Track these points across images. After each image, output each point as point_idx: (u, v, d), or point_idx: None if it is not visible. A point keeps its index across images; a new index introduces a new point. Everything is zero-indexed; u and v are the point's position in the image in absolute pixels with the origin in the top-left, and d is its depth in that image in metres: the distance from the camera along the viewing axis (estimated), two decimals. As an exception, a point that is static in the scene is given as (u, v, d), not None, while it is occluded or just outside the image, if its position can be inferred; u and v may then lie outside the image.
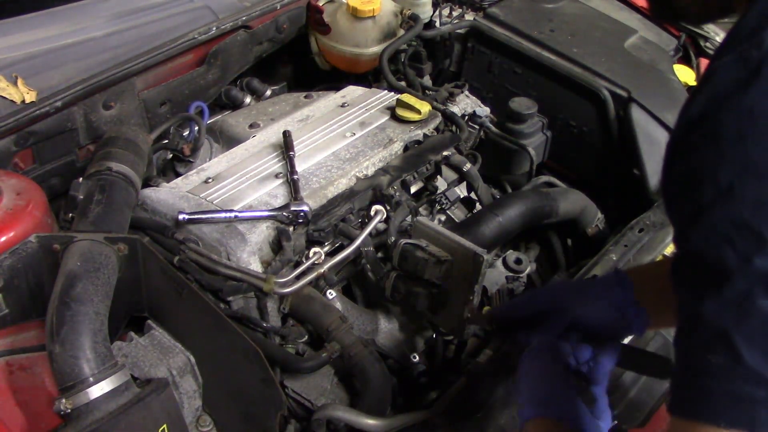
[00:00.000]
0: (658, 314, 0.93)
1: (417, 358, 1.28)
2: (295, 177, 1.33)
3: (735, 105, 0.53)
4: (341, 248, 1.29)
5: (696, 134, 0.56)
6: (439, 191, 1.51)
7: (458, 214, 1.56)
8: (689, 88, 1.80)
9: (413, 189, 1.45)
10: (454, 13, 1.98)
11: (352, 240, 1.29)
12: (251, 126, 1.62)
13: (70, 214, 1.20)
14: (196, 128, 1.59)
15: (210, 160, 1.52)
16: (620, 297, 0.94)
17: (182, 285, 1.07)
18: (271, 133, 1.51)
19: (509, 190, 1.70)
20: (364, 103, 1.59)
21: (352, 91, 1.67)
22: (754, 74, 0.53)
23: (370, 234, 1.31)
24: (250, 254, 1.21)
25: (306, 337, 1.23)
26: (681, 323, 0.57)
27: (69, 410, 0.89)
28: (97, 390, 0.90)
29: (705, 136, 0.55)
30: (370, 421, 1.07)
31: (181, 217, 1.22)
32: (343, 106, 1.60)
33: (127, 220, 1.23)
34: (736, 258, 0.52)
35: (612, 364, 0.94)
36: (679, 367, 0.56)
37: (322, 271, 1.23)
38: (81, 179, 1.24)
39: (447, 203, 1.51)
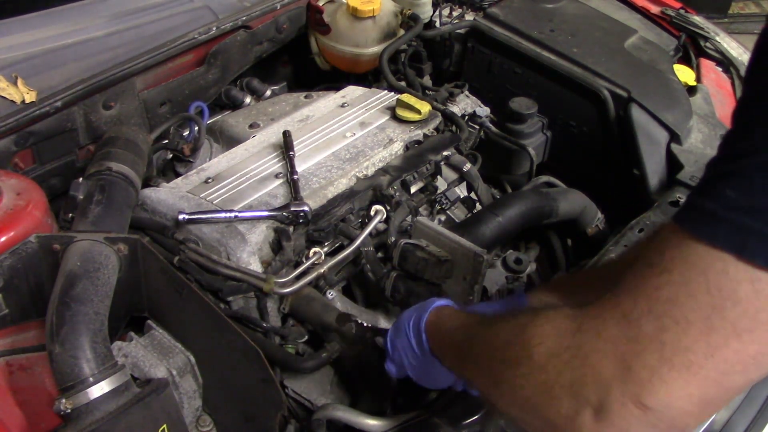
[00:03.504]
0: None
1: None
2: (295, 177, 1.33)
3: None
4: (341, 248, 1.29)
5: None
6: (439, 191, 1.51)
7: (458, 214, 1.56)
8: (689, 88, 1.80)
9: (413, 189, 1.45)
10: (454, 13, 1.98)
11: (352, 240, 1.29)
12: (251, 126, 1.62)
13: (70, 214, 1.20)
14: (196, 128, 1.59)
15: (210, 160, 1.52)
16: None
17: (182, 285, 1.07)
18: (271, 133, 1.51)
19: (509, 190, 1.70)
20: (364, 103, 1.59)
21: (352, 91, 1.67)
22: None
23: (370, 234, 1.31)
24: (250, 254, 1.21)
25: (306, 337, 1.23)
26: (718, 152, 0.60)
27: (69, 410, 0.89)
28: (97, 390, 0.90)
29: None
30: (370, 421, 1.07)
31: (181, 217, 1.22)
32: (343, 106, 1.60)
33: (127, 220, 1.23)
34: None
35: None
36: (698, 187, 0.60)
37: (322, 271, 1.23)
38: (81, 179, 1.24)
39: (447, 203, 1.51)
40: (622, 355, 0.59)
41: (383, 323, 1.32)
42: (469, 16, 1.94)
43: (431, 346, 0.95)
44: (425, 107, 1.51)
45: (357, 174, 1.39)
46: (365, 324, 1.15)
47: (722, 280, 0.55)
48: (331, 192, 1.34)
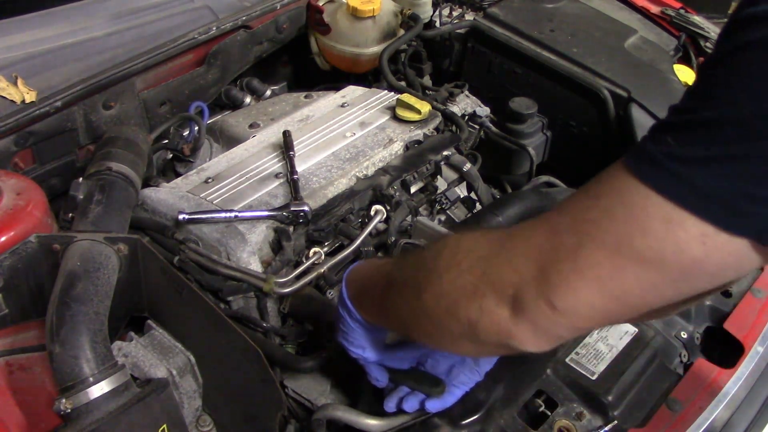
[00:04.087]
0: None
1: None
2: (295, 177, 1.33)
3: None
4: (341, 248, 1.29)
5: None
6: (439, 191, 1.51)
7: (458, 214, 1.56)
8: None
9: (413, 189, 1.45)
10: (454, 13, 1.98)
11: (352, 240, 1.29)
12: (251, 126, 1.62)
13: (70, 214, 1.20)
14: (196, 128, 1.59)
15: (210, 160, 1.52)
16: None
17: (182, 285, 1.07)
18: (271, 133, 1.51)
19: (509, 190, 1.70)
20: (364, 103, 1.59)
21: (352, 91, 1.67)
22: None
23: (370, 234, 1.31)
24: (250, 254, 1.21)
25: (306, 337, 1.23)
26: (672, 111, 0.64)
27: (69, 410, 0.89)
28: (97, 390, 0.90)
29: None
30: (370, 421, 1.07)
31: (181, 217, 1.22)
32: (343, 106, 1.60)
33: (127, 220, 1.23)
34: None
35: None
36: (650, 129, 0.64)
37: (322, 271, 1.23)
38: (81, 179, 1.24)
39: (447, 203, 1.51)
40: (542, 260, 0.66)
41: (383, 323, 1.32)
42: (469, 16, 1.94)
43: (349, 294, 0.96)
44: (425, 107, 1.51)
45: (357, 174, 1.39)
46: None
47: (639, 213, 0.61)
48: (331, 192, 1.34)
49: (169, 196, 1.31)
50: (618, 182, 0.64)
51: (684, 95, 0.64)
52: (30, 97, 1.36)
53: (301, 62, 2.03)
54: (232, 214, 1.23)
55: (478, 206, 1.56)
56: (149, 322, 1.15)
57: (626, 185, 0.62)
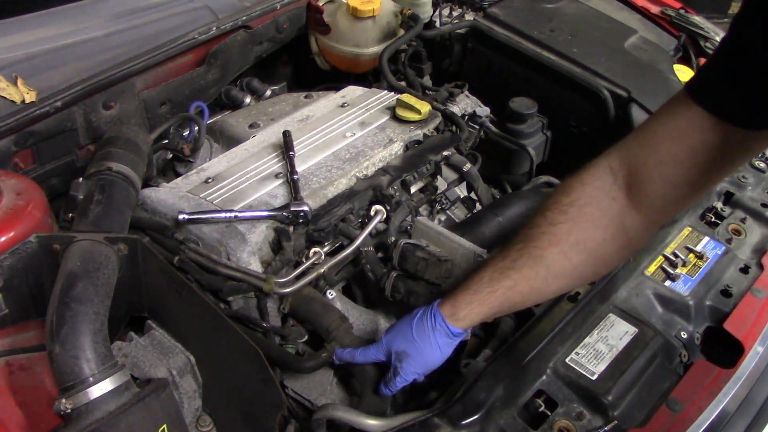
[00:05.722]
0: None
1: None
2: (295, 177, 1.33)
3: None
4: (341, 248, 1.29)
5: None
6: (439, 191, 1.51)
7: (458, 214, 1.56)
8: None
9: (413, 189, 1.45)
10: (454, 13, 1.98)
11: (352, 240, 1.29)
12: (251, 126, 1.62)
13: (70, 214, 1.20)
14: (196, 128, 1.59)
15: (210, 160, 1.52)
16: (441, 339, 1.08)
17: (182, 285, 1.07)
18: (271, 133, 1.51)
19: (509, 190, 1.71)
20: (364, 103, 1.60)
21: (352, 91, 1.67)
22: None
23: (370, 234, 1.31)
24: (250, 254, 1.21)
25: (306, 337, 1.23)
26: None
27: (69, 410, 0.89)
28: (97, 390, 0.90)
29: None
30: (370, 421, 1.07)
31: (181, 217, 1.22)
32: (343, 106, 1.60)
33: (127, 220, 1.23)
34: None
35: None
36: None
37: (322, 271, 1.23)
38: (81, 179, 1.24)
39: (447, 203, 1.51)
40: None
41: (383, 323, 1.32)
42: (469, 16, 1.94)
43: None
44: (425, 107, 1.51)
45: (357, 174, 1.39)
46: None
47: None
48: (331, 192, 1.34)
49: (169, 196, 1.31)
50: None
51: None
52: (30, 97, 1.36)
53: (301, 62, 2.03)
54: (232, 214, 1.23)
55: (478, 206, 1.56)
56: (149, 322, 1.15)
57: None
